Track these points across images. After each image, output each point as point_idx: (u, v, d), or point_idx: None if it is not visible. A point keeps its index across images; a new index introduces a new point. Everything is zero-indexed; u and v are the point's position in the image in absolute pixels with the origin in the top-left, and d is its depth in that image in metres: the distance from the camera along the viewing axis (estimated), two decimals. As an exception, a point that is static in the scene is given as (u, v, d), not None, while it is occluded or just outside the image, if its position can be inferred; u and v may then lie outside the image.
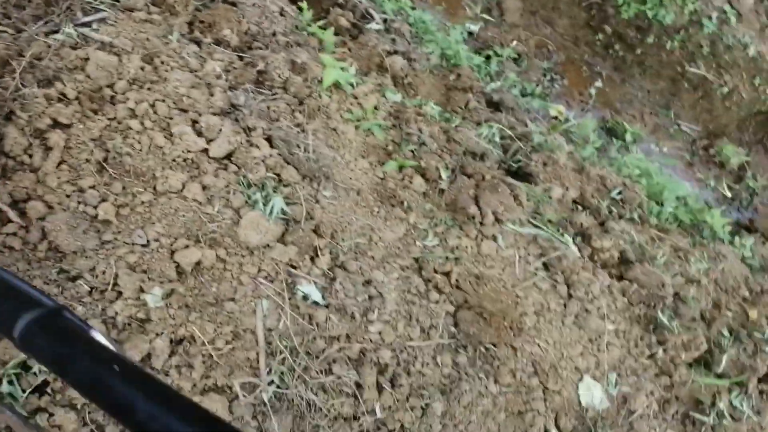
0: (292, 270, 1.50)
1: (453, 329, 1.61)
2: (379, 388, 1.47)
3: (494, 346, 1.61)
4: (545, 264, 1.76)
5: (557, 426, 1.57)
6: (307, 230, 1.54)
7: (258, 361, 1.42)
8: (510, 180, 1.84)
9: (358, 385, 1.46)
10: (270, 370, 1.42)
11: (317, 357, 1.47)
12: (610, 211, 2.12)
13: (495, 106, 2.36)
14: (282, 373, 1.43)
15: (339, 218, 1.64)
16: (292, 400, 1.42)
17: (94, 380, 0.40)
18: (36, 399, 1.29)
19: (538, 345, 1.63)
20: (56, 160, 1.48)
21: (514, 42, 3.38)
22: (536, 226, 1.77)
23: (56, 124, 1.52)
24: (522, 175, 2.06)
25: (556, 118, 2.91)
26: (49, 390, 1.31)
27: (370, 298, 1.56)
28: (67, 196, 1.46)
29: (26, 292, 0.48)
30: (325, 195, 1.67)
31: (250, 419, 1.39)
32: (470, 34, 3.38)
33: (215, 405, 1.34)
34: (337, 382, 1.44)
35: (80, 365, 0.41)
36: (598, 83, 3.16)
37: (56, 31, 1.73)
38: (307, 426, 1.41)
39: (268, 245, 1.49)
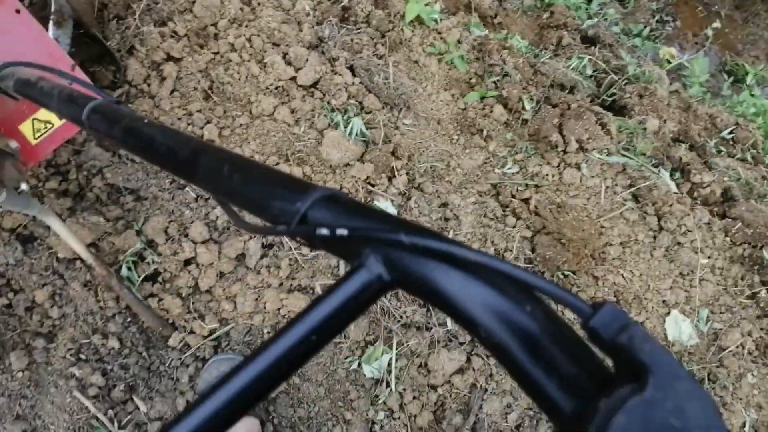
0: (370, 187, 1.57)
1: (530, 254, 1.59)
2: (451, 303, 1.51)
3: (573, 273, 1.57)
4: (634, 195, 1.67)
5: (638, 358, 1.50)
6: (385, 152, 1.61)
7: (338, 268, 1.53)
8: (597, 108, 1.76)
9: (430, 298, 1.51)
10: (347, 277, 1.52)
11: (392, 270, 1.54)
12: (719, 151, 1.95)
13: (591, 41, 2.24)
14: (358, 281, 1.52)
15: (417, 143, 1.69)
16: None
17: (132, 130, 0.56)
18: (149, 286, 1.50)
19: (622, 275, 1.57)
20: (170, 87, 1.68)
21: (620, -17, 3.14)
22: (625, 157, 1.68)
23: (169, 58, 1.72)
24: (617, 109, 1.95)
25: (668, 62, 2.69)
26: (159, 279, 1.52)
27: (446, 219, 1.60)
28: (179, 118, 1.66)
29: (86, 94, 0.63)
30: (405, 122, 1.73)
31: (328, 321, 1.50)
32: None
33: (299, 302, 1.47)
34: (409, 292, 1.50)
35: (122, 124, 0.56)
36: (716, 24, 2.85)
37: (171, -20, 1.94)
38: (381, 329, 1.49)
39: (348, 164, 1.58)
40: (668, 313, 1.54)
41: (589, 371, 0.30)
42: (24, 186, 1.20)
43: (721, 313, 1.55)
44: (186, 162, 0.48)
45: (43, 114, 1.31)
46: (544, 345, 0.30)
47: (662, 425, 0.25)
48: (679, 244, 1.59)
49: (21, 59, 1.01)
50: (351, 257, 0.37)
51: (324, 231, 0.36)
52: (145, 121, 0.56)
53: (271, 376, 0.35)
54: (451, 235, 1.57)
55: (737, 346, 1.51)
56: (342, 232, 0.35)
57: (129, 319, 1.52)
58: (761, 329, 1.56)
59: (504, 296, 0.32)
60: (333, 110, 1.66)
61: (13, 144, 1.15)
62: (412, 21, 1.88)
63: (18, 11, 1.25)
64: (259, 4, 1.87)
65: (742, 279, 1.62)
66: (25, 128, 1.30)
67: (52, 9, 1.46)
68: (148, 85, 1.68)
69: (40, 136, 1.31)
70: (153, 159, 0.54)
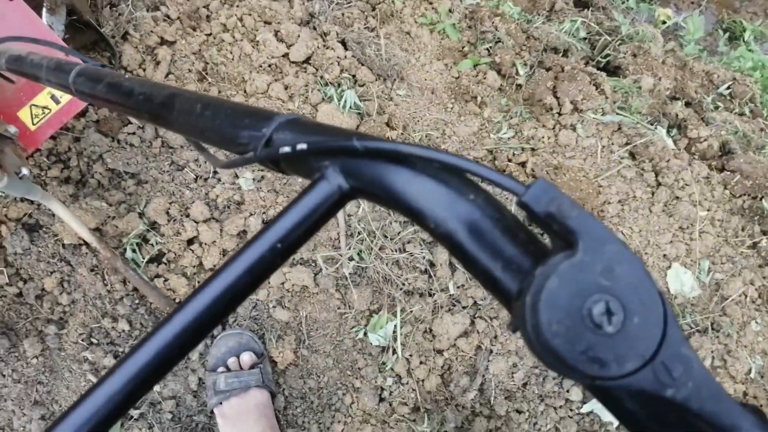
0: (367, 157, 1.58)
1: (529, 217, 1.60)
2: (452, 268, 1.52)
3: (573, 234, 1.58)
4: (631, 153, 1.67)
5: (641, 312, 1.51)
6: (380, 122, 1.62)
7: (339, 240, 1.54)
8: (591, 69, 1.75)
9: (431, 264, 1.53)
10: (349, 247, 1.54)
11: (392, 239, 1.56)
12: (716, 106, 1.94)
13: (584, 5, 2.22)
14: (360, 251, 1.54)
15: (412, 113, 1.69)
16: (370, 276, 1.53)
17: (112, 85, 0.60)
18: (154, 267, 1.53)
19: (622, 232, 1.58)
20: (164, 71, 1.69)
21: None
22: (620, 115, 1.68)
23: (163, 42, 1.73)
24: (611, 70, 1.95)
25: (664, 22, 2.67)
26: (164, 260, 1.54)
27: (444, 186, 1.61)
28: (174, 102, 1.67)
29: (73, 62, 0.66)
30: (398, 93, 1.73)
31: (334, 291, 1.52)
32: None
33: (302, 276, 1.49)
34: (410, 259, 1.52)
35: (104, 82, 0.59)
36: (713, -18, 2.82)
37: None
38: (385, 298, 1.51)
39: (344, 136, 1.59)
40: (669, 267, 1.54)
41: (529, 249, 0.32)
42: (25, 171, 1.22)
43: (722, 263, 1.56)
44: (162, 105, 0.51)
45: (41, 99, 1.33)
46: (486, 229, 0.32)
47: (592, 286, 0.26)
48: (677, 198, 1.60)
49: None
50: (313, 173, 0.39)
51: (286, 149, 0.38)
52: (126, 76, 0.58)
53: (243, 285, 0.37)
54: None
55: (740, 295, 1.51)
56: (302, 146, 0.37)
57: (137, 301, 1.55)
58: (764, 278, 1.56)
59: (448, 187, 0.34)
60: (326, 84, 1.67)
61: (12, 129, 1.17)
62: (401, -7, 1.88)
63: (11, -1, 1.27)
64: (247, -16, 1.87)
65: (743, 230, 1.62)
66: (24, 114, 1.33)
67: (44, -4, 1.47)
68: (143, 69, 1.69)
69: (39, 121, 1.33)
70: (133, 109, 0.56)
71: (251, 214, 1.53)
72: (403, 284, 1.50)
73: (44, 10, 1.44)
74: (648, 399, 0.29)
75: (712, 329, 1.48)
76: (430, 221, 0.34)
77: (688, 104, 1.89)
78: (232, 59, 1.72)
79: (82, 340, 1.54)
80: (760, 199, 1.65)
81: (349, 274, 1.52)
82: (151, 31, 1.73)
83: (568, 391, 1.50)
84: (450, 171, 0.34)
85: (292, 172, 0.41)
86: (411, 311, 1.49)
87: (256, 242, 0.37)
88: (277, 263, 0.38)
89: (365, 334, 1.49)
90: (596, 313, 0.26)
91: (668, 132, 1.77)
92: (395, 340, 1.47)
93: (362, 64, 1.73)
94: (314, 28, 1.77)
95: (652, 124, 1.74)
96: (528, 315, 0.27)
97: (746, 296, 1.53)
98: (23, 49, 0.94)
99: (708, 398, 0.26)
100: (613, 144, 1.67)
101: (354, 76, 1.71)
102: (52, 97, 1.34)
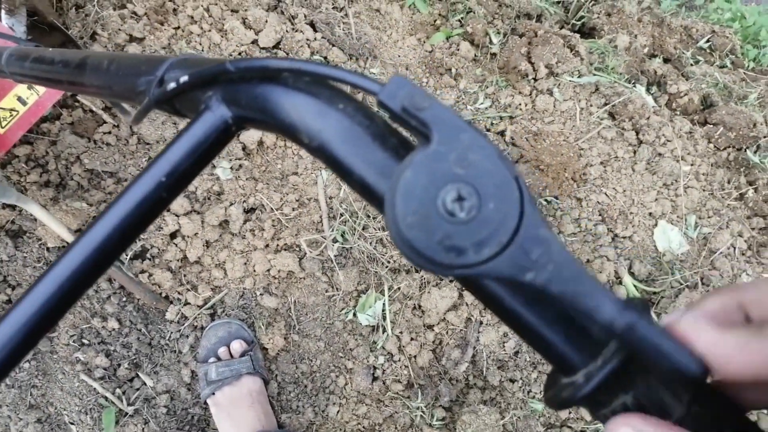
0: (343, 138, 1.57)
1: (511, 186, 1.59)
2: (437, 242, 1.51)
3: (556, 198, 1.57)
4: (610, 113, 1.65)
5: (630, 272, 1.50)
6: (355, 101, 1.60)
7: (321, 223, 1.54)
8: (564, 32, 1.73)
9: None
10: (333, 229, 1.53)
11: (375, 218, 1.55)
12: (696, 61, 1.91)
13: (556, -29, 2.19)
14: (343, 232, 1.53)
15: (387, 90, 1.67)
16: (356, 257, 1.52)
17: (37, 59, 0.59)
18: (139, 263, 1.52)
19: (605, 194, 1.56)
20: (134, 68, 1.67)
21: None
22: (597, 76, 1.66)
23: (132, 39, 1.72)
24: (587, 32, 1.92)
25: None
26: (148, 255, 1.54)
27: (423, 161, 1.59)
28: (146, 97, 1.66)
29: (7, 45, 0.65)
30: (372, 72, 1.71)
31: (320, 275, 1.51)
32: None
33: (287, 261, 1.48)
34: (394, 236, 1.51)
35: (31, 58, 0.57)
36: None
37: (124, -36, 1.93)
38: (372, 277, 1.50)
39: (319, 118, 1.58)
40: (656, 225, 1.53)
41: (399, 153, 0.31)
42: (-3, 175, 1.22)
43: (708, 217, 1.54)
44: (77, 68, 0.50)
45: (7, 102, 1.32)
46: (357, 136, 0.32)
47: (446, 175, 0.26)
48: (659, 155, 1.58)
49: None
50: (200, 106, 0.38)
51: (172, 84, 0.38)
52: (49, 50, 0.57)
53: (130, 225, 0.36)
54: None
55: (728, 248, 1.50)
56: (183, 78, 0.37)
57: (124, 299, 1.55)
58: (752, 228, 1.55)
59: (317, 98, 0.33)
60: (298, 68, 1.65)
61: (-21, 134, 1.16)
62: (368, -30, 1.85)
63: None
64: (213, -26, 1.85)
65: (729, 182, 1.60)
66: (-8, 119, 1.32)
67: (3, -1, 1.46)
68: (113, 68, 1.68)
69: (7, 124, 1.32)
70: (55, 81, 0.55)
71: (231, 204, 1.53)
72: (389, 262, 1.50)
73: (2, 11, 1.43)
74: (510, 284, 0.28)
75: (702, 284, 1.47)
76: (304, 135, 0.33)
77: (666, 60, 1.87)
78: (202, 50, 1.70)
79: (74, 342, 1.54)
80: (745, 150, 1.63)
81: (335, 256, 1.51)
82: (119, 29, 1.71)
83: (561, 357, 1.49)
84: (319, 83, 0.34)
85: (186, 111, 0.41)
86: (398, 288, 1.49)
87: (141, 178, 0.36)
88: (164, 198, 0.37)
89: (354, 314, 1.49)
90: (448, 200, 0.25)
91: (648, 90, 1.74)
92: (384, 318, 1.46)
93: (333, 45, 1.71)
94: (282, 12, 1.76)
95: (630, 83, 1.71)
96: (387, 211, 0.26)
97: (735, 248, 1.51)
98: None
99: (569, 280, 0.25)
100: (591, 105, 1.65)
101: (326, 57, 1.69)
102: (19, 98, 1.33)
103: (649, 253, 1.52)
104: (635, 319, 0.24)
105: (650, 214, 1.54)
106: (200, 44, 1.71)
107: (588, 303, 0.25)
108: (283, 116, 0.34)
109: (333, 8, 1.76)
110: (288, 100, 0.34)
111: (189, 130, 0.37)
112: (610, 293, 0.25)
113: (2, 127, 1.31)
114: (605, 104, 1.64)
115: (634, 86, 1.70)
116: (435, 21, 1.86)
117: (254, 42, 1.69)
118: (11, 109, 1.32)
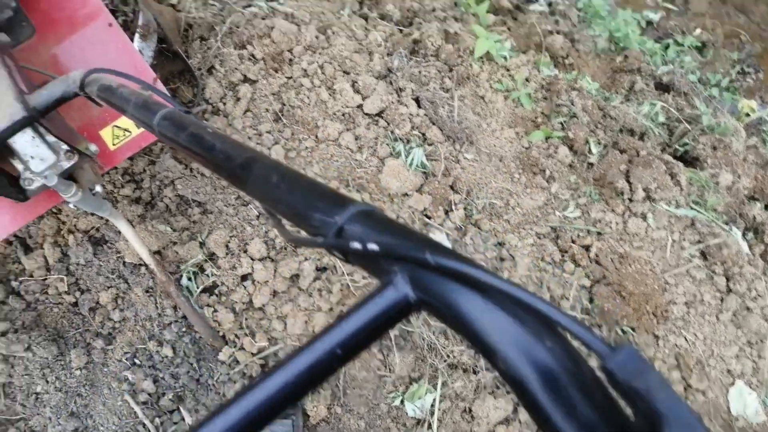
0: (426, 219, 1.57)
1: (587, 304, 1.54)
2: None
3: (633, 330, 1.51)
4: (703, 253, 1.59)
5: None
6: (444, 184, 1.61)
7: (387, 300, 1.53)
8: (667, 157, 1.70)
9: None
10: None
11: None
12: (799, 211, 1.83)
13: (665, 88, 2.17)
14: (408, 314, 1.51)
15: (477, 179, 1.68)
16: (415, 341, 1.50)
17: (195, 136, 0.61)
18: (206, 297, 1.55)
19: (685, 337, 1.49)
20: (243, 108, 1.74)
21: (698, 30, 3.05)
22: (695, 210, 1.61)
23: (245, 79, 1.80)
24: (688, 160, 1.88)
25: (747, 115, 2.58)
26: (216, 292, 1.56)
27: (501, 259, 1.57)
28: (249, 138, 1.72)
29: (160, 102, 0.67)
30: (466, 157, 1.72)
31: (376, 351, 1.49)
32: (649, 23, 3.14)
33: (346, 330, 1.47)
34: (458, 331, 1.48)
35: (188, 131, 0.62)
36: (802, 75, 2.71)
37: (250, 5, 2.04)
38: (428, 367, 1.47)
39: (406, 193, 1.59)
40: (733, 384, 1.44)
41: (607, 417, 0.29)
42: (98, 188, 1.28)
43: (794, 389, 1.45)
44: (240, 168, 0.51)
45: (123, 122, 1.39)
46: (563, 384, 0.29)
47: None
48: (748, 309, 1.50)
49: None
50: (381, 275, 0.37)
51: (357, 245, 0.37)
52: (209, 129, 0.60)
53: (295, 387, 0.35)
54: (506, 276, 1.54)
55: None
56: (373, 247, 0.36)
57: (184, 329, 1.57)
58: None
59: (524, 327, 0.31)
60: (396, 140, 1.68)
61: (93, 147, 1.22)
62: (481, 57, 1.89)
63: (110, 24, 1.35)
64: (333, 33, 1.93)
65: (820, 354, 1.50)
66: (105, 134, 1.39)
67: (140, 22, 1.56)
68: (224, 104, 1.75)
69: (119, 142, 1.39)
70: (211, 164, 0.57)
71: (306, 259, 1.54)
72: (448, 356, 1.46)
73: (137, 35, 1.52)
74: None
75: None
76: (500, 360, 0.31)
77: (767, 207, 1.80)
78: (308, 104, 1.76)
79: (126, 359, 1.56)
80: (842, 322, 1.54)
81: (394, 336, 1.50)
82: (236, 68, 1.79)
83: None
84: (526, 309, 0.32)
85: (359, 266, 0.40)
86: (452, 386, 1.45)
87: (316, 344, 0.36)
88: (334, 368, 0.36)
89: (402, 402, 1.46)
90: None
91: (744, 235, 1.68)
92: (432, 414, 1.42)
93: (433, 124, 1.73)
94: (391, 83, 1.80)
95: (727, 224, 1.66)
96: None
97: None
98: (115, 79, 0.99)
99: None
100: (684, 240, 1.59)
101: (424, 134, 1.72)
102: (139, 126, 1.40)
103: (721, 413, 1.43)
104: None
105: (728, 371, 1.46)
106: (308, 98, 1.77)
107: None
108: (479, 330, 0.32)
109: (440, 88, 1.79)
110: (488, 317, 0.32)
111: (369, 303, 0.36)
112: None
113: (114, 145, 1.38)
114: (698, 242, 1.59)
115: (731, 229, 1.64)
116: (536, 118, 1.86)
117: (359, 106, 1.73)
118: (125, 129, 1.38)
